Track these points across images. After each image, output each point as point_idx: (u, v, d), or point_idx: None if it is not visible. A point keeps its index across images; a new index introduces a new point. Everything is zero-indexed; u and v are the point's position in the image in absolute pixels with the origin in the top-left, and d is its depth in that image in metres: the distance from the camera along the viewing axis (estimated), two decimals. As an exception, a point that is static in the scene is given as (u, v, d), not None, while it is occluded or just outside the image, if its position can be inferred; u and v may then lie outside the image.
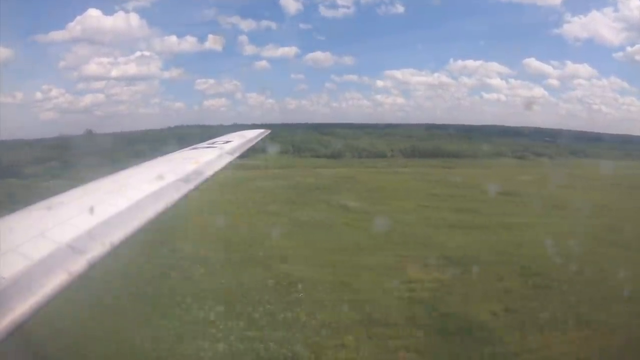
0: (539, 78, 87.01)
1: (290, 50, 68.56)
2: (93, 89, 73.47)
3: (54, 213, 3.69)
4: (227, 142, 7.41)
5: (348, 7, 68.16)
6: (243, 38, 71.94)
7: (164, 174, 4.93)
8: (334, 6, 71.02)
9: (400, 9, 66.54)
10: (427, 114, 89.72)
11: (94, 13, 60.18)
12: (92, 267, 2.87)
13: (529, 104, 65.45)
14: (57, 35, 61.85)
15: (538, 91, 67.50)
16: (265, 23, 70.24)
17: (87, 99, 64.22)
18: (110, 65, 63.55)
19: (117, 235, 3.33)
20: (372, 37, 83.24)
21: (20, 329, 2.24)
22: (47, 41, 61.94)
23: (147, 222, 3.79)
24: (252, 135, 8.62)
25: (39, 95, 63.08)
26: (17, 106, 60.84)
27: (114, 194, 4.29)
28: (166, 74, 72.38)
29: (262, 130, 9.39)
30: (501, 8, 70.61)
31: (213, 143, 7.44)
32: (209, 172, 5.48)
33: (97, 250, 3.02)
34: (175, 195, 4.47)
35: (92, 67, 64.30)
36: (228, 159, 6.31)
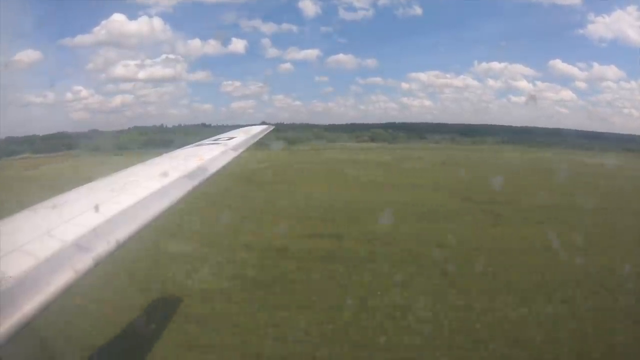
0: (566, 80, 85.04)
1: (312, 53, 68.60)
2: (122, 90, 75.02)
3: (59, 211, 3.71)
4: (231, 138, 7.40)
5: (367, 10, 67.64)
6: (265, 41, 72.30)
7: (168, 171, 4.94)
8: (353, 9, 70.58)
9: (418, 10, 65.97)
10: (454, 117, 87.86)
11: (118, 17, 61.40)
12: (98, 264, 2.89)
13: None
14: (83, 39, 63.18)
15: (566, 94, 65.83)
16: (286, 26, 70.54)
17: (117, 100, 65.56)
18: (137, 67, 64.74)
19: (122, 232, 3.35)
20: (393, 39, 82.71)
21: (27, 328, 2.25)
22: (74, 44, 63.45)
23: (152, 219, 3.81)
24: (256, 131, 8.59)
25: (69, 95, 64.71)
26: (49, 106, 62.52)
27: (119, 191, 4.29)
28: (192, 76, 73.38)
29: (266, 126, 9.36)
30: (521, 8, 68.86)
31: (217, 139, 7.43)
32: (213, 169, 5.49)
33: (102, 248, 3.04)
34: (179, 192, 4.48)
35: (120, 70, 65.73)
36: (232, 155, 6.30)
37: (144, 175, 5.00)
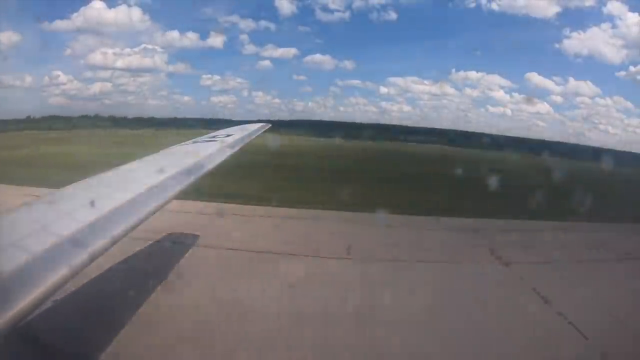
0: (542, 93, 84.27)
1: (290, 52, 68.25)
2: (100, 78, 74.19)
3: (55, 207, 3.68)
4: (228, 135, 7.39)
5: (343, 12, 67.53)
6: (244, 37, 71.94)
7: (166, 167, 4.92)
8: (329, 10, 70.62)
9: (393, 15, 66.05)
10: (433, 122, 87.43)
11: (97, 5, 61.28)
12: (94, 260, 2.86)
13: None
14: (62, 24, 63.24)
15: (543, 107, 65.86)
16: (263, 24, 70.45)
17: (96, 87, 65.01)
18: (115, 55, 64.53)
19: (119, 228, 3.32)
20: (370, 43, 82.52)
21: (21, 324, 2.23)
22: (53, 29, 63.48)
23: (149, 215, 3.79)
24: (253, 128, 8.59)
25: (47, 80, 64.42)
26: (26, 89, 62.17)
27: (116, 187, 4.27)
28: (171, 68, 72.35)
29: (262, 124, 9.38)
30: (498, 20, 68.33)
31: (214, 137, 7.41)
32: (210, 166, 5.47)
33: (99, 243, 3.01)
34: (176, 189, 4.47)
35: (98, 57, 65.14)
36: (229, 152, 6.29)
37: (141, 172, 4.98)
